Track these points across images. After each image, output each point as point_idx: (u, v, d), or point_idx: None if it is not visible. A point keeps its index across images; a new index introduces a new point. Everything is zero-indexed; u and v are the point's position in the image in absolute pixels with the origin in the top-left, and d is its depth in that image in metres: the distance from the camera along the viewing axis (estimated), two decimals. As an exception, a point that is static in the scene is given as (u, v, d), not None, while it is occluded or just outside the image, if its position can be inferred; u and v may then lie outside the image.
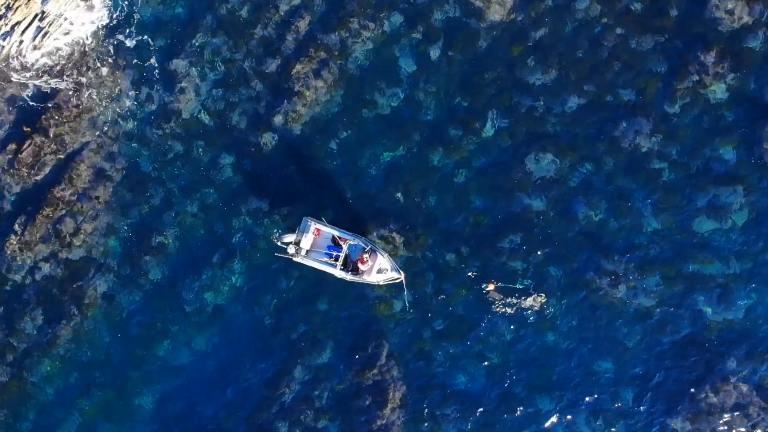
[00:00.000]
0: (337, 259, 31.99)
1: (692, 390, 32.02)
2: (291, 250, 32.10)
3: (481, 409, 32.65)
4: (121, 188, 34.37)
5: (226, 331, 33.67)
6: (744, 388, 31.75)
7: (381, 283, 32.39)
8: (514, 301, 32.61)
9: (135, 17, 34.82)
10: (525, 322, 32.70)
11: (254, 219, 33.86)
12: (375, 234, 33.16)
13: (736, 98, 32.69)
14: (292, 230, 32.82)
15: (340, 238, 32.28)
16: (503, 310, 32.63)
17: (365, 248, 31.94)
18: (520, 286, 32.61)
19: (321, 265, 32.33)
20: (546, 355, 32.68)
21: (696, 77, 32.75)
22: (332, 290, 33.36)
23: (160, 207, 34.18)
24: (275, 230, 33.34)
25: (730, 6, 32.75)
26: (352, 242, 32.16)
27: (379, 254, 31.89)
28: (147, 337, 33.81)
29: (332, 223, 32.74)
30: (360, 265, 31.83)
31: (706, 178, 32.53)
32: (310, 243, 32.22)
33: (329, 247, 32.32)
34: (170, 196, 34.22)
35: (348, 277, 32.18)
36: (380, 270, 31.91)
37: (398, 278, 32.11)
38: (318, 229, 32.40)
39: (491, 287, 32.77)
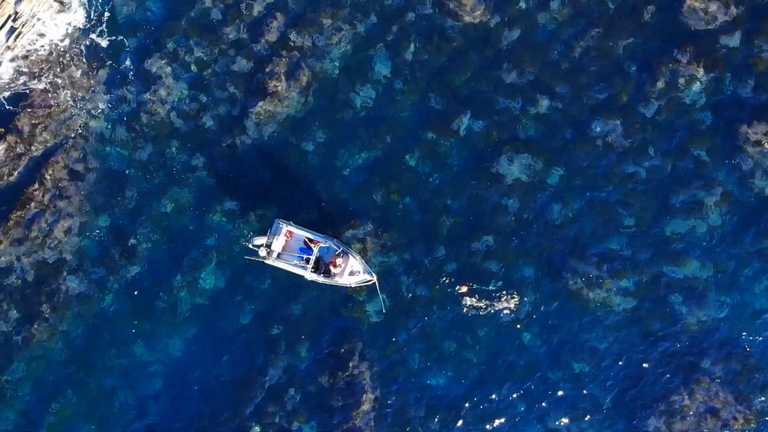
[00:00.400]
0: (308, 262, 31.97)
1: (667, 390, 32.02)
2: (262, 252, 31.97)
3: (456, 410, 32.61)
4: (95, 189, 34.23)
5: (201, 332, 33.56)
6: (718, 388, 31.70)
7: (353, 285, 32.32)
8: (488, 303, 32.55)
9: (109, 18, 34.66)
10: (500, 323, 32.66)
11: (228, 219, 33.76)
12: (349, 234, 33.09)
13: (711, 99, 32.66)
14: (263, 232, 32.69)
15: (311, 240, 32.24)
16: (478, 312, 32.57)
17: (337, 250, 31.89)
18: (493, 288, 32.56)
19: (292, 267, 32.24)
20: (521, 355, 32.65)
21: (671, 78, 32.65)
22: (307, 291, 33.29)
23: (134, 207, 34.06)
24: (249, 233, 33.25)
25: (705, 6, 32.62)
26: (323, 245, 32.06)
27: (351, 256, 31.82)
28: (121, 338, 33.67)
29: (305, 224, 32.66)
30: (332, 268, 31.77)
31: (681, 178, 32.50)
32: (281, 245, 32.11)
33: (301, 250, 32.22)
34: (144, 197, 34.09)
35: (320, 279, 32.08)
36: (352, 272, 31.82)
37: (370, 280, 32.03)
38: (290, 232, 32.32)
39: (464, 289, 32.73)
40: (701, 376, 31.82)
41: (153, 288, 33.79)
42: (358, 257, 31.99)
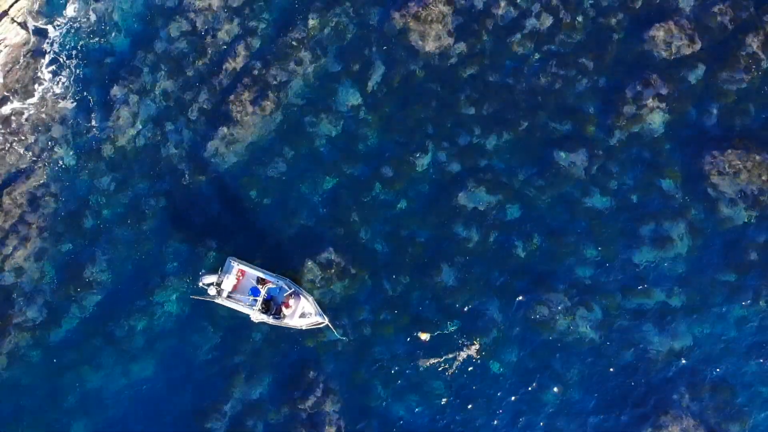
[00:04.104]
0: (255, 303, 31.47)
1: (636, 422, 31.55)
2: (212, 291, 31.57)
3: (421, 441, 32.15)
4: (55, 215, 34.18)
5: (160, 361, 33.40)
6: (688, 420, 31.23)
7: (304, 328, 31.89)
8: (451, 356, 32.17)
9: (75, 47, 34.76)
10: (465, 357, 32.26)
11: (188, 250, 33.61)
12: (310, 265, 32.77)
13: (675, 129, 32.56)
14: (215, 270, 32.39)
15: (262, 280, 31.83)
16: (443, 367, 32.18)
17: (288, 291, 31.44)
18: (453, 328, 32.20)
19: (241, 307, 31.81)
20: (488, 387, 32.28)
21: (635, 109, 32.62)
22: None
23: (94, 234, 34.04)
24: (200, 270, 33.05)
25: (668, 38, 32.79)
26: (273, 285, 31.70)
27: (302, 297, 31.39)
28: (79, 365, 33.54)
29: (263, 256, 32.49)
30: (284, 309, 31.35)
31: (647, 209, 32.29)
32: (232, 284, 31.70)
33: (252, 289, 31.84)
34: (104, 224, 34.07)
35: (270, 320, 31.69)
36: (303, 314, 31.35)
37: (322, 323, 31.65)
38: (242, 270, 31.94)
39: (425, 336, 32.31)
40: (671, 406, 31.38)
41: (113, 315, 33.60)
42: (310, 298, 31.61)
